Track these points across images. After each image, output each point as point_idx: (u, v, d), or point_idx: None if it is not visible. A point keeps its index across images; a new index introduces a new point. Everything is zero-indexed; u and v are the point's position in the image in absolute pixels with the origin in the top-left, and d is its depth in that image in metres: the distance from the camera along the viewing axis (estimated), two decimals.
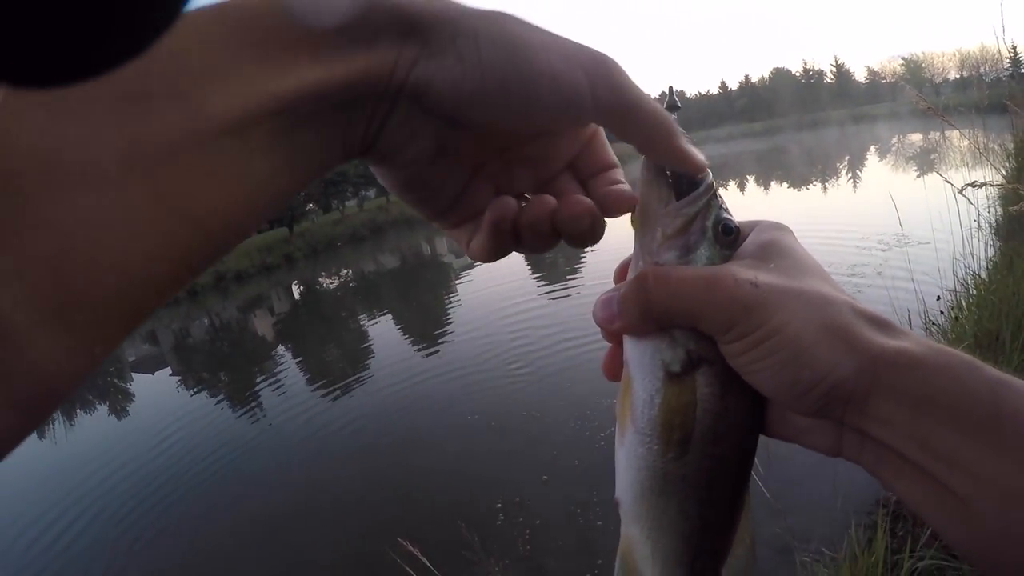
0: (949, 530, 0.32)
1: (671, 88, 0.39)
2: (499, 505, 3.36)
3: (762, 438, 0.40)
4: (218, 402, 6.58)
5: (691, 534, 0.38)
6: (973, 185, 2.17)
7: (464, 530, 2.64)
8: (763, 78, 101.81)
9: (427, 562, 2.04)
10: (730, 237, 0.38)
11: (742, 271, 0.35)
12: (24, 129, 0.22)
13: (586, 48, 0.32)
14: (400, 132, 0.32)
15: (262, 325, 11.79)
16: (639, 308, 0.36)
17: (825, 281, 0.36)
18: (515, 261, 12.97)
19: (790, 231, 0.40)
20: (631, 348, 0.39)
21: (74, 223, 0.22)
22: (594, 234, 0.37)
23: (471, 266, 13.98)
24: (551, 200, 0.37)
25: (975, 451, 0.29)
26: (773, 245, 0.38)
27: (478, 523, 3.05)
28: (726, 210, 0.38)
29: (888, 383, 0.31)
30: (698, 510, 0.38)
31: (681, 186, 0.37)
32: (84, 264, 0.23)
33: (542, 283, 9.36)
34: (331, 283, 16.54)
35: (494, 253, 0.38)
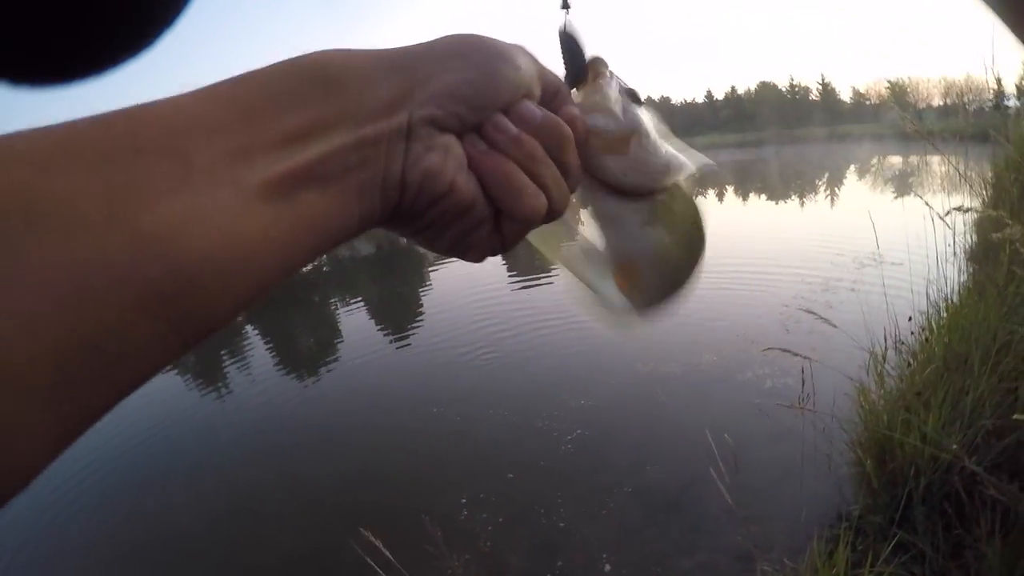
0: None
1: None
2: (463, 500, 3.35)
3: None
4: (179, 380, 6.46)
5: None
6: (959, 210, 2.20)
7: (427, 524, 2.62)
8: (749, 90, 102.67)
9: (389, 554, 2.02)
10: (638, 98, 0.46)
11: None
12: (10, 181, 0.22)
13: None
14: (432, 154, 0.34)
15: None
16: None
17: None
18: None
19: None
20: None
21: (55, 272, 0.22)
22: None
23: (446, 257, 13.94)
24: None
25: None
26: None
27: (441, 517, 3.03)
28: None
29: None
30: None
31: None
32: (63, 314, 0.22)
33: (514, 277, 9.36)
34: (305, 267, 16.46)
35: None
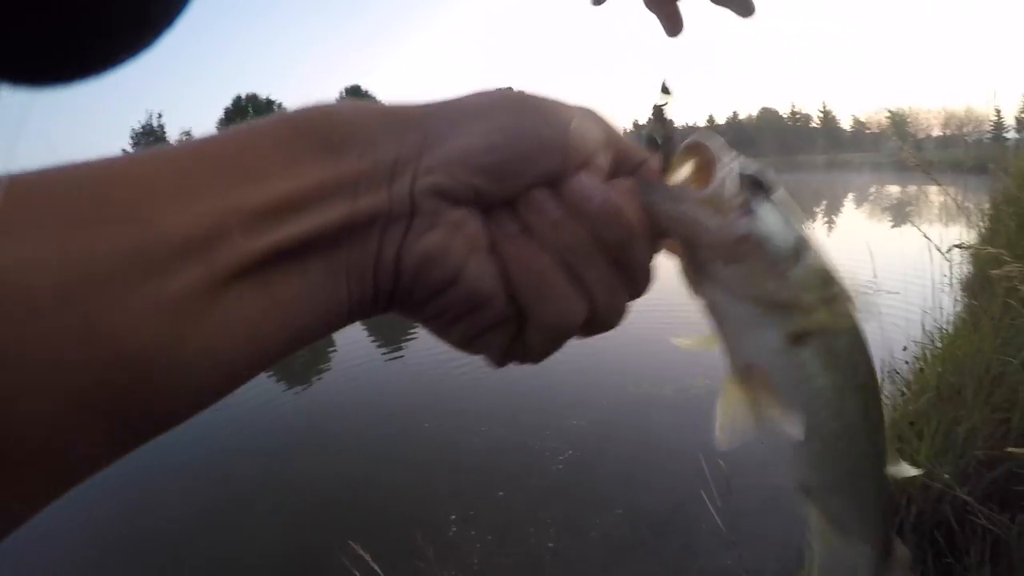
0: None
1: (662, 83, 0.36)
2: (453, 516, 3.32)
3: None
4: None
5: (881, 478, 0.39)
6: (960, 247, 2.21)
7: (415, 537, 2.61)
8: (751, 116, 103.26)
9: (375, 566, 2.01)
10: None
11: None
12: None
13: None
14: (435, 232, 0.28)
15: None
16: None
17: None
18: None
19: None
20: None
21: None
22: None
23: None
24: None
25: None
26: None
27: (430, 532, 3.00)
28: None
29: None
30: (875, 456, 0.38)
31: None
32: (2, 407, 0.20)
33: None
34: (286, 357, 16.42)
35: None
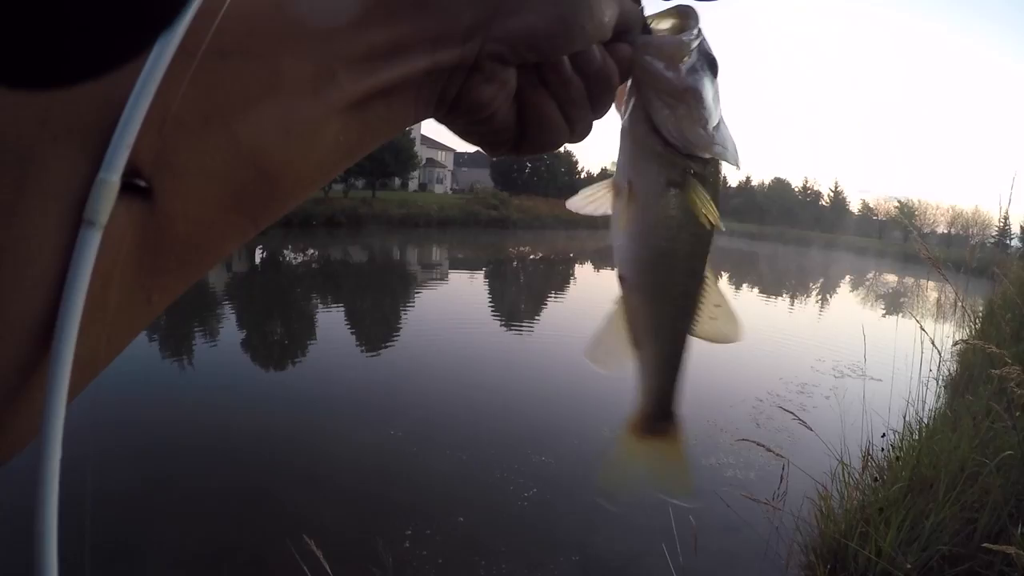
0: None
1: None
2: (408, 531, 3.28)
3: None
4: (146, 343, 6.32)
5: (679, 296, 0.49)
6: (964, 343, 2.24)
7: (365, 543, 2.57)
8: (763, 183, 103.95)
9: (326, 565, 1.98)
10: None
11: None
12: (113, 83, 0.24)
13: None
14: (487, 86, 0.36)
15: (215, 277, 11.26)
16: None
17: None
18: (477, 290, 13.00)
19: None
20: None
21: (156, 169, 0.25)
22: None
23: (434, 280, 13.97)
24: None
25: None
26: None
27: (382, 541, 2.97)
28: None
29: None
30: (683, 278, 0.48)
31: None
32: (163, 213, 0.26)
33: (498, 317, 9.39)
34: (295, 258, 16.37)
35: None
